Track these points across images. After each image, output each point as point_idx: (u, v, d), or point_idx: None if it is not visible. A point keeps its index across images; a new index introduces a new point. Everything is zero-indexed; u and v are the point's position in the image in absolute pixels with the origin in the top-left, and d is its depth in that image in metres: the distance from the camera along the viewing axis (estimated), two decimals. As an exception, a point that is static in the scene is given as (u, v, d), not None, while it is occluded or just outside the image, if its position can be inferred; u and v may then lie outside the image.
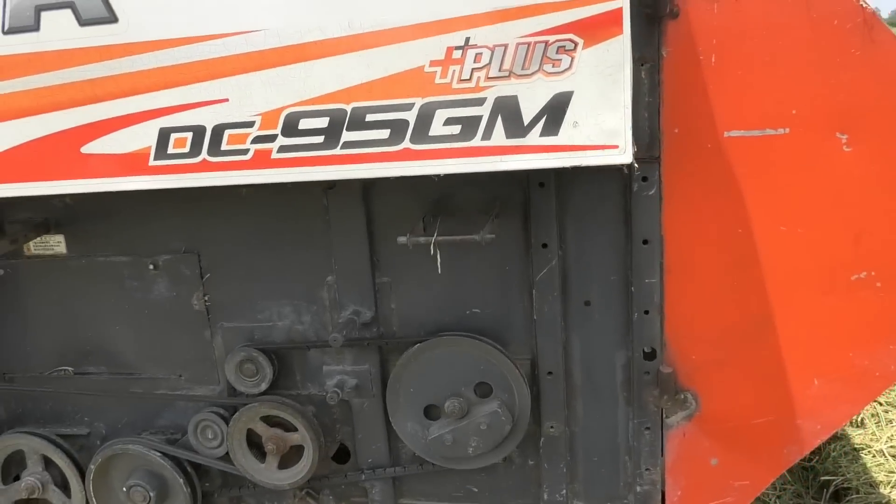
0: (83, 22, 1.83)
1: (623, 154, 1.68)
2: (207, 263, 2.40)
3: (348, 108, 1.77)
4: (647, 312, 2.11)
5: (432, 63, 1.70)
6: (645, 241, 2.06)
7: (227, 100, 1.82)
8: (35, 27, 1.85)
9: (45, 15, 1.84)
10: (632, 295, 2.11)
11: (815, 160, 1.92)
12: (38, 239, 2.47)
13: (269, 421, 2.42)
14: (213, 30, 1.78)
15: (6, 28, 1.87)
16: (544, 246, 2.13)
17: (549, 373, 2.25)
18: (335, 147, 1.81)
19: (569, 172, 1.99)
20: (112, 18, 1.81)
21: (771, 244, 2.00)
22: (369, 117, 1.77)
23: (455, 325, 2.28)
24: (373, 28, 1.71)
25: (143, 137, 1.89)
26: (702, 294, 2.09)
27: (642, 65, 1.91)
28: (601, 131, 1.68)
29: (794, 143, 1.91)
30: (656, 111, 1.95)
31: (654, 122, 1.95)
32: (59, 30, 1.84)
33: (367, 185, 2.20)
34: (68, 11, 1.82)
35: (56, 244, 2.49)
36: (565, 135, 1.69)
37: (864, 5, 1.76)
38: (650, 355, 2.16)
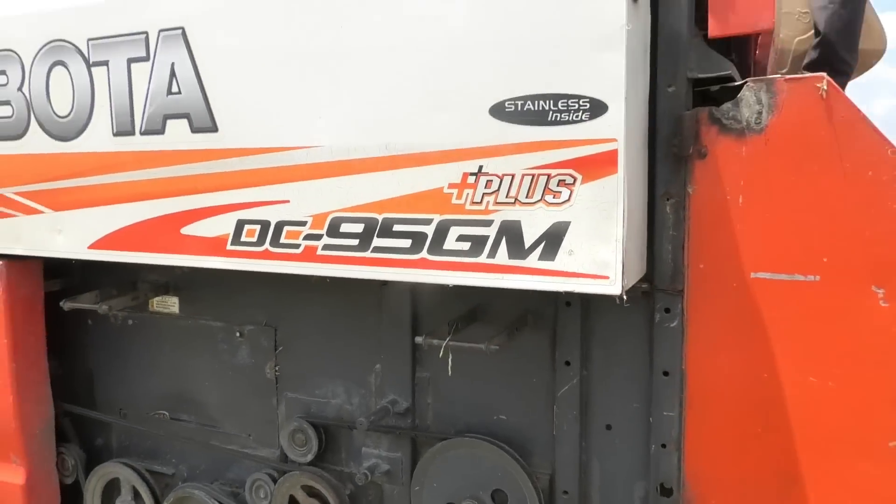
0: (194, 129, 2.26)
1: (613, 285, 1.73)
2: (282, 337, 2.71)
3: (380, 217, 2.01)
4: (664, 446, 2.05)
5: (450, 185, 1.90)
6: (665, 373, 2.03)
7: (288, 201, 2.14)
8: (161, 131, 2.32)
9: (169, 122, 2.31)
10: (650, 426, 2.07)
11: (848, 312, 1.82)
12: (159, 298, 2.95)
13: (310, 491, 2.61)
14: (283, 143, 2.12)
15: (142, 130, 2.36)
16: (567, 364, 2.17)
17: (566, 492, 2.24)
18: (367, 250, 2.04)
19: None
20: (214, 128, 2.23)
21: (798, 394, 1.89)
22: (396, 227, 1.98)
23: (482, 428, 2.35)
24: (404, 151, 1.95)
25: (224, 225, 2.26)
26: (724, 436, 1.99)
27: (667, 200, 1.95)
28: (594, 261, 1.75)
29: (824, 291, 1.83)
30: (680, 245, 1.96)
31: (678, 255, 1.97)
32: (178, 134, 2.29)
33: (416, 286, 2.39)
34: (185, 120, 2.27)
35: (172, 305, 2.94)
36: (561, 261, 1.78)
37: (897, 158, 1.69)
38: (667, 492, 2.08)
